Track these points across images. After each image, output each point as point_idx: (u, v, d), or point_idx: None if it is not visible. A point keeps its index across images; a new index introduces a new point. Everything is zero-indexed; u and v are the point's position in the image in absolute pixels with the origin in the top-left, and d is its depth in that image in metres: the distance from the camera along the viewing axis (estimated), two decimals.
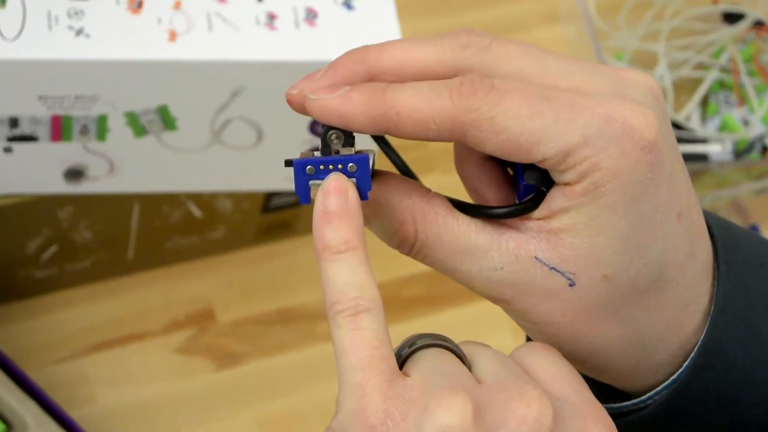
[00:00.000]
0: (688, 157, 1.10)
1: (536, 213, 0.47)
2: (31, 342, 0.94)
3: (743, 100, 1.13)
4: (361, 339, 0.44)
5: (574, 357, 0.49)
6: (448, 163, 1.11)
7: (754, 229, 1.07)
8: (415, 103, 0.45)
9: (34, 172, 0.82)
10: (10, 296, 0.95)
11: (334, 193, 0.46)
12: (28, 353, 0.93)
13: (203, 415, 0.92)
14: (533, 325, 0.49)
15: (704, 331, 0.49)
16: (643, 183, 0.46)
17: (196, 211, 0.94)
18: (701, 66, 1.16)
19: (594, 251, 0.47)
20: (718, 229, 0.51)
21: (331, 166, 0.47)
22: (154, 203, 0.91)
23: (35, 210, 0.87)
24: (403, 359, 0.46)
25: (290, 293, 0.99)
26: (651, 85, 0.48)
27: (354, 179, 0.47)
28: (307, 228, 1.01)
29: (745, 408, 0.50)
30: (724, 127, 1.12)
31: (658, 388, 0.51)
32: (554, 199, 0.47)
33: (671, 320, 0.49)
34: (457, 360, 0.46)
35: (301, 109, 0.47)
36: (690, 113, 1.13)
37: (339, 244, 0.45)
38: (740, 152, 1.11)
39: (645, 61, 1.14)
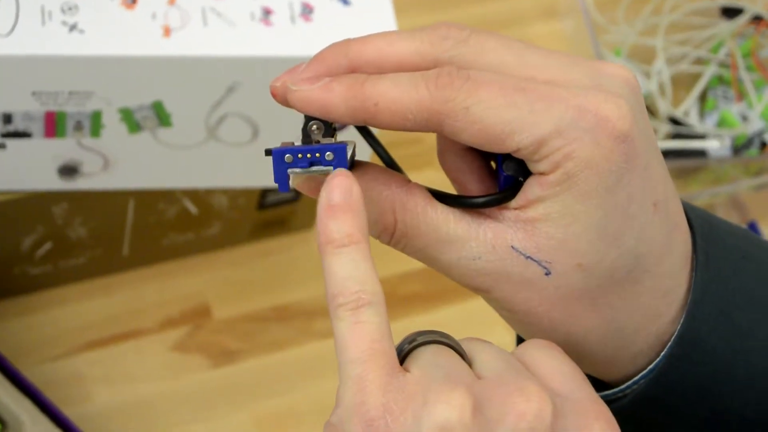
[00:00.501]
0: (686, 153, 1.10)
1: (513, 203, 0.48)
2: (26, 339, 0.93)
3: (742, 95, 1.13)
4: (362, 332, 0.45)
5: None
6: None
7: (752, 225, 1.07)
8: (392, 93, 0.46)
9: (28, 168, 0.82)
10: (5, 293, 0.94)
11: (339, 188, 0.46)
12: (23, 351, 0.92)
13: (199, 413, 0.92)
14: (512, 314, 0.50)
15: (681, 321, 0.50)
16: (617, 173, 0.46)
17: (192, 208, 0.94)
18: (700, 61, 1.15)
19: (569, 240, 0.47)
20: (698, 221, 0.51)
21: (309, 155, 0.47)
22: (149, 200, 0.91)
23: (29, 207, 0.87)
24: (403, 355, 0.46)
25: (286, 290, 0.98)
26: (627, 77, 0.48)
27: (331, 167, 0.47)
28: (303, 224, 1.00)
29: (723, 398, 0.51)
30: (722, 123, 1.12)
31: (636, 378, 0.51)
32: (530, 188, 0.47)
33: (648, 310, 0.50)
34: (458, 356, 0.46)
35: (284, 101, 0.48)
36: (688, 108, 1.13)
37: (342, 237, 0.45)
38: (739, 148, 1.11)
39: (643, 56, 1.14)
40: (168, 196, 0.92)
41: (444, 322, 1.00)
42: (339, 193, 0.46)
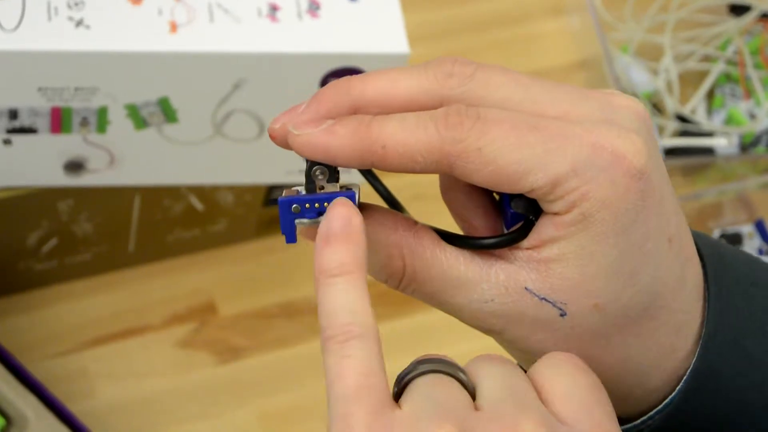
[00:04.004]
0: (694, 151, 1.10)
1: (525, 243, 0.47)
2: (31, 335, 0.93)
3: (750, 92, 1.13)
4: (350, 367, 0.42)
5: None
6: None
7: (760, 223, 1.07)
8: (401, 135, 0.45)
9: (33, 164, 0.81)
10: (10, 289, 0.94)
11: (338, 217, 0.45)
12: (28, 347, 0.92)
13: (204, 409, 0.92)
14: (525, 355, 0.48)
15: (696, 355, 0.49)
16: (634, 211, 0.46)
17: (198, 204, 0.94)
18: (707, 58, 1.15)
19: (585, 281, 0.46)
20: (707, 250, 0.50)
21: (317, 204, 0.46)
22: (155, 196, 0.91)
23: (35, 202, 0.87)
24: (401, 387, 0.44)
25: (292, 287, 0.98)
26: (638, 110, 0.47)
27: None
28: None
29: (740, 429, 0.50)
30: (730, 120, 1.11)
31: (651, 413, 0.50)
32: (543, 228, 0.46)
33: (663, 346, 0.49)
34: (457, 385, 0.44)
35: (284, 144, 0.46)
36: (696, 106, 1.13)
37: (334, 267, 0.44)
38: (746, 146, 1.11)
39: (651, 53, 1.14)
40: (174, 192, 0.91)
41: (445, 323, 0.99)
42: (338, 223, 0.44)
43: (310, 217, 0.46)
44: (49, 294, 0.95)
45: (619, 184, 0.45)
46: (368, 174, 0.49)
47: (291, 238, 0.47)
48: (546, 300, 0.47)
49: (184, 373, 0.93)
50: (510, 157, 0.45)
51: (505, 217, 0.48)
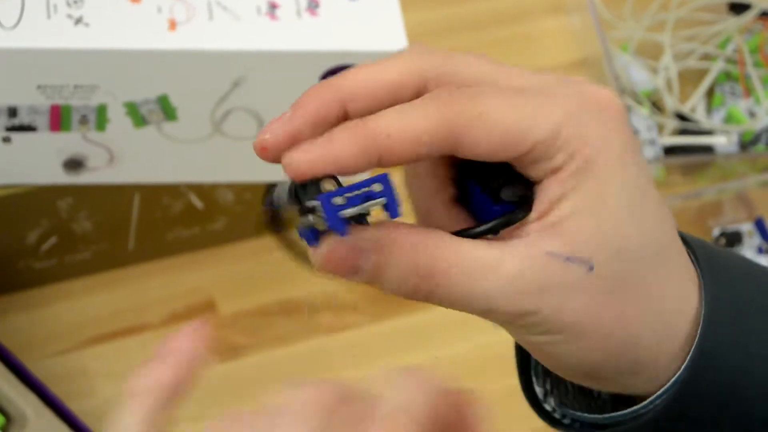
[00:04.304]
0: (694, 149, 1.10)
1: (533, 214, 0.47)
2: (31, 334, 0.93)
3: (749, 91, 1.13)
4: None
5: (607, 364, 0.48)
6: None
7: (759, 221, 1.07)
8: (402, 122, 0.45)
9: (33, 162, 0.81)
10: (9, 288, 0.94)
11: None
12: (28, 345, 0.92)
13: (205, 408, 0.91)
14: (560, 337, 0.47)
15: (697, 336, 0.49)
16: (631, 150, 0.47)
17: (197, 202, 0.94)
18: (707, 57, 1.15)
19: (602, 226, 0.46)
20: (689, 237, 0.51)
21: (359, 190, 0.45)
22: (154, 194, 0.91)
23: (34, 200, 0.87)
24: None
25: (292, 285, 0.98)
26: (610, 98, 0.48)
27: (383, 198, 0.45)
28: None
29: (746, 403, 0.50)
30: (729, 119, 1.11)
31: (659, 392, 0.50)
32: (548, 191, 0.46)
33: (675, 299, 0.49)
34: None
35: (276, 158, 0.47)
36: (695, 104, 1.13)
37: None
38: (746, 144, 1.11)
39: (650, 52, 1.14)
40: (173, 190, 0.91)
41: (445, 320, 0.99)
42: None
43: (355, 204, 0.45)
44: (49, 292, 0.95)
45: (612, 127, 0.46)
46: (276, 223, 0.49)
47: (342, 229, 0.45)
48: (570, 260, 0.46)
49: None
50: (509, 117, 0.45)
51: (478, 207, 0.48)
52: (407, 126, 0.45)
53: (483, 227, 0.47)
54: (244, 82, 0.79)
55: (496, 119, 0.45)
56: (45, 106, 0.77)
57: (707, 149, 1.10)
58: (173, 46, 0.76)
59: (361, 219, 0.46)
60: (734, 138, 1.10)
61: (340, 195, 0.45)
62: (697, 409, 0.49)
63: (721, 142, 1.10)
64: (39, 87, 0.76)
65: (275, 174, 0.88)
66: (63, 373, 0.92)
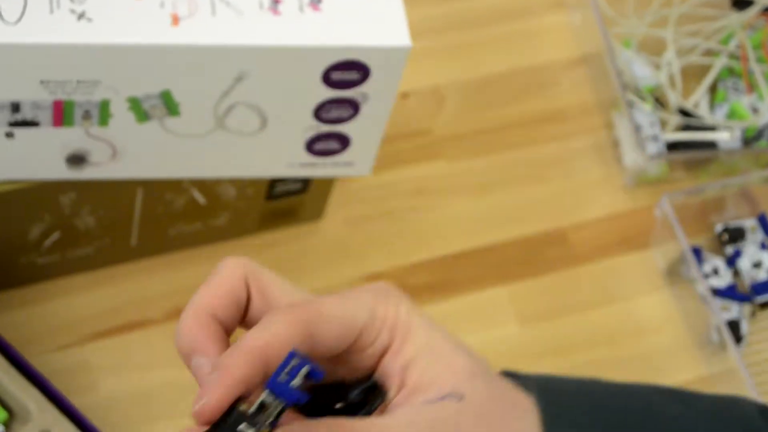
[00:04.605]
0: (696, 145, 1.10)
1: (393, 390, 0.54)
2: (33, 329, 0.93)
3: (752, 87, 1.13)
4: None
5: None
6: (452, 150, 1.10)
7: (762, 217, 1.07)
8: (267, 331, 0.53)
9: (36, 157, 0.82)
10: (12, 283, 0.94)
11: None
12: (30, 340, 0.92)
13: None
14: None
15: None
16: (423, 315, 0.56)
17: (200, 198, 0.94)
18: (710, 52, 1.15)
19: (451, 366, 0.53)
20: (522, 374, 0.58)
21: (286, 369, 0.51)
22: (157, 189, 0.91)
23: (37, 196, 0.87)
24: None
25: (294, 280, 0.97)
26: (390, 285, 0.57)
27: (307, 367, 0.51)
28: (312, 215, 1.00)
29: None
30: (732, 115, 1.11)
31: None
32: (393, 364, 0.54)
33: None
34: None
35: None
36: (698, 100, 1.13)
37: None
38: (749, 140, 1.11)
39: (653, 48, 1.14)
40: (176, 186, 0.91)
41: (451, 313, 1.00)
42: None
43: (294, 375, 0.51)
44: (52, 288, 0.95)
45: (404, 301, 0.55)
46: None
47: (299, 396, 0.51)
48: (444, 398, 0.53)
49: (185, 367, 0.93)
50: (341, 310, 0.54)
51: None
52: (275, 332, 0.52)
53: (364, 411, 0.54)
54: (246, 77, 0.79)
55: (334, 314, 0.53)
56: (48, 101, 0.77)
57: (710, 145, 1.10)
58: (176, 41, 0.76)
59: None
60: (737, 134, 1.10)
61: (278, 375, 0.50)
62: None
63: (724, 137, 1.10)
64: (42, 82, 0.76)
65: (278, 170, 0.88)
66: (65, 367, 0.92)
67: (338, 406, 0.55)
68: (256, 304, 0.57)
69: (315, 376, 0.50)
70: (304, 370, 0.50)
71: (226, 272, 0.58)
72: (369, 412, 0.54)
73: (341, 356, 0.55)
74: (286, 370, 0.50)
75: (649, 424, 0.56)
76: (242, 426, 0.50)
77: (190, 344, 0.56)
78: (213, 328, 0.55)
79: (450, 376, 0.53)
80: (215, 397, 0.51)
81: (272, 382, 0.50)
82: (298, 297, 0.57)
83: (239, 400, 0.51)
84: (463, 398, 0.53)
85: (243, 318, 0.57)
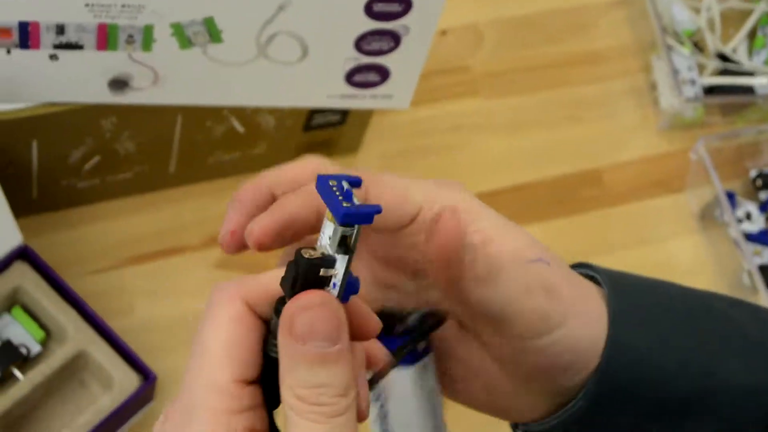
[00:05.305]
0: (734, 90, 1.09)
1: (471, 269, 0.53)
2: (72, 252, 0.94)
3: None
4: None
5: (561, 359, 0.55)
6: (489, 87, 1.10)
7: None
8: None
9: (78, 80, 0.82)
10: (52, 206, 0.95)
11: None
12: (69, 263, 0.93)
13: None
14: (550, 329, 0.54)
15: (607, 332, 0.55)
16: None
17: (239, 127, 0.94)
18: None
19: (525, 238, 0.54)
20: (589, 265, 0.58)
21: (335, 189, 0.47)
22: (197, 117, 0.91)
23: (79, 119, 0.87)
24: None
25: None
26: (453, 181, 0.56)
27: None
28: (349, 147, 1.01)
29: (658, 384, 0.55)
30: None
31: (588, 383, 0.55)
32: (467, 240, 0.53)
33: (591, 317, 0.55)
34: None
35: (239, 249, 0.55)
36: (737, 45, 1.12)
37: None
38: None
39: None
40: (216, 113, 0.92)
41: None
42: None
43: (348, 198, 0.47)
44: (91, 211, 0.96)
45: (460, 188, 0.55)
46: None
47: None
48: (536, 261, 0.54)
49: None
50: (397, 184, 0.55)
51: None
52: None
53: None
54: (289, 6, 0.79)
55: (387, 182, 0.54)
56: (92, 24, 0.78)
57: (747, 90, 1.10)
58: None
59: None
60: None
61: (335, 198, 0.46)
62: (618, 390, 0.55)
63: (761, 83, 1.10)
64: (87, 5, 0.77)
65: (317, 100, 0.89)
66: (102, 290, 0.93)
67: (398, 329, 0.55)
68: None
69: (352, 289, 0.47)
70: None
71: (300, 162, 0.58)
72: (425, 336, 0.54)
73: (405, 237, 0.54)
74: (339, 194, 0.46)
75: (710, 323, 0.57)
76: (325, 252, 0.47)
77: (236, 196, 0.55)
78: (264, 199, 0.55)
79: (533, 246, 0.54)
80: (232, 223, 0.54)
81: (338, 206, 0.45)
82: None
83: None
84: (550, 264, 0.54)
85: None
